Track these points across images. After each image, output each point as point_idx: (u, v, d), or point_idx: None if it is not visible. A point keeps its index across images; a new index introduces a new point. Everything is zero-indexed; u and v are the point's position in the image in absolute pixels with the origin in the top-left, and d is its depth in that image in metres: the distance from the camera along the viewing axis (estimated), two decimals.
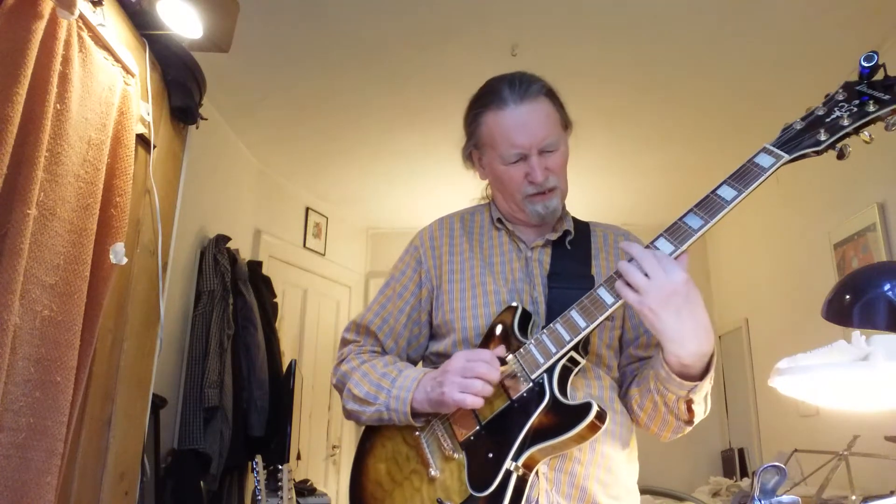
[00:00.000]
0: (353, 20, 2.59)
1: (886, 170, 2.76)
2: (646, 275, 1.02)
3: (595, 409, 1.06)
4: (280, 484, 2.19)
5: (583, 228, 1.38)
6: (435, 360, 1.33)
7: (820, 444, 2.54)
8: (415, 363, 1.39)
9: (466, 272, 1.32)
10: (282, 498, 2.17)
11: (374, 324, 1.36)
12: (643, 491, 3.22)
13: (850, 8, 2.45)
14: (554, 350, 1.11)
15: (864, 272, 1.27)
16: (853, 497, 2.18)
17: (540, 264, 1.30)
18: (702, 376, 1.08)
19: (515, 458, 1.08)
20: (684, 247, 1.06)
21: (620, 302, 1.06)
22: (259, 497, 2.10)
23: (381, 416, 1.21)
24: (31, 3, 1.21)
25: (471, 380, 1.09)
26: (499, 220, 1.36)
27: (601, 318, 1.08)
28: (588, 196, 4.08)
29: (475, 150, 1.35)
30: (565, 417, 1.07)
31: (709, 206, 1.07)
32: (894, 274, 1.13)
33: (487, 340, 1.22)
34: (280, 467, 2.23)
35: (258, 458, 2.21)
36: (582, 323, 1.09)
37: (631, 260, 1.05)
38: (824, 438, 2.71)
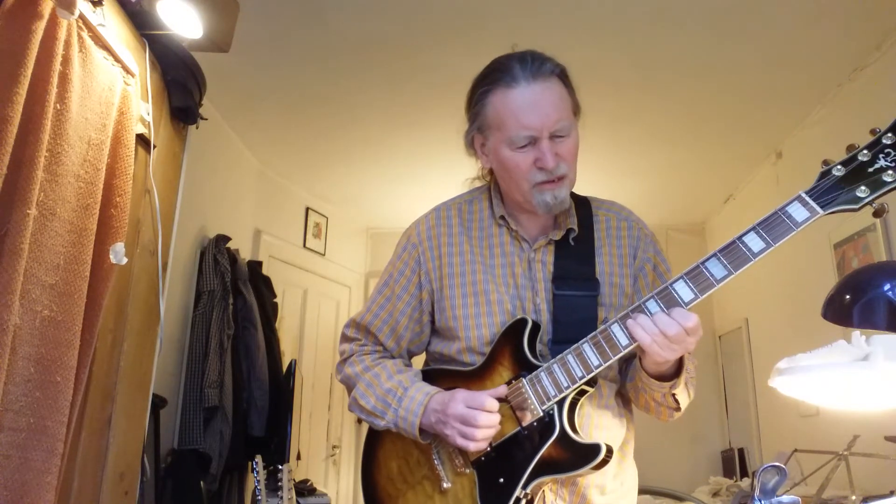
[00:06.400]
0: (353, 21, 2.59)
1: None
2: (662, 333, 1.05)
3: (603, 451, 1.09)
4: (280, 484, 2.19)
5: (585, 215, 1.32)
6: (439, 358, 1.33)
7: (820, 444, 2.54)
8: (416, 356, 1.40)
9: (468, 276, 1.28)
10: (282, 498, 2.17)
11: (374, 325, 1.35)
12: (643, 491, 3.22)
13: (850, 8, 2.44)
14: (566, 384, 1.13)
15: (864, 272, 1.26)
16: (853, 497, 2.18)
17: (543, 265, 1.27)
18: (677, 373, 1.14)
19: (524, 487, 1.12)
20: (704, 296, 1.06)
21: (635, 345, 1.08)
22: (259, 497, 2.10)
23: (390, 428, 1.24)
24: (31, 3, 1.21)
25: (470, 428, 1.12)
26: (501, 217, 1.30)
27: (613, 359, 1.10)
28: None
29: (478, 135, 1.26)
30: (574, 455, 1.11)
31: (733, 255, 1.05)
32: (894, 274, 1.13)
33: (495, 355, 1.22)
34: (280, 467, 2.23)
35: (258, 458, 2.21)
36: (594, 361, 1.11)
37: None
38: (824, 438, 2.71)
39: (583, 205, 1.34)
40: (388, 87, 3.08)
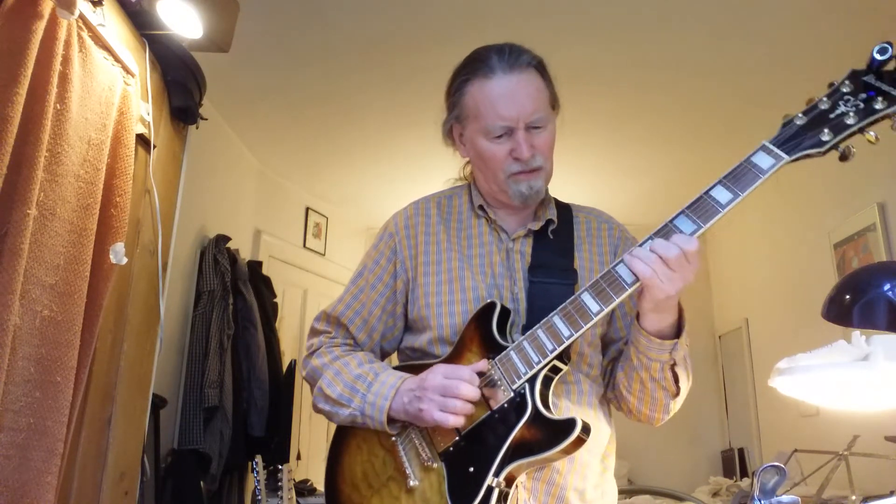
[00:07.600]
0: (353, 21, 2.59)
1: (886, 170, 2.76)
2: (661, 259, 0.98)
3: (579, 426, 1.02)
4: (280, 484, 2.19)
5: (565, 215, 1.31)
6: (410, 354, 1.29)
7: (820, 444, 2.54)
8: (388, 355, 1.35)
9: (443, 264, 1.26)
10: (282, 498, 2.17)
11: (346, 316, 1.31)
12: (643, 491, 3.22)
13: (851, 8, 2.45)
14: (536, 359, 1.07)
15: (864, 272, 1.27)
16: (853, 497, 2.18)
17: (522, 256, 1.25)
18: (677, 333, 1.08)
19: (497, 474, 1.04)
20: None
21: (605, 312, 1.03)
22: (259, 497, 2.10)
23: (354, 419, 1.17)
24: (31, 3, 1.21)
25: (451, 399, 1.06)
26: (480, 206, 1.29)
27: (585, 328, 1.04)
28: (586, 196, 4.07)
29: (456, 124, 1.27)
30: (548, 433, 1.04)
31: (701, 209, 1.01)
32: (894, 274, 1.13)
33: (464, 341, 1.17)
34: (280, 467, 2.23)
35: (258, 458, 2.21)
36: (565, 332, 1.06)
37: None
38: (824, 438, 2.71)
39: (564, 208, 1.34)
40: (388, 87, 3.08)
